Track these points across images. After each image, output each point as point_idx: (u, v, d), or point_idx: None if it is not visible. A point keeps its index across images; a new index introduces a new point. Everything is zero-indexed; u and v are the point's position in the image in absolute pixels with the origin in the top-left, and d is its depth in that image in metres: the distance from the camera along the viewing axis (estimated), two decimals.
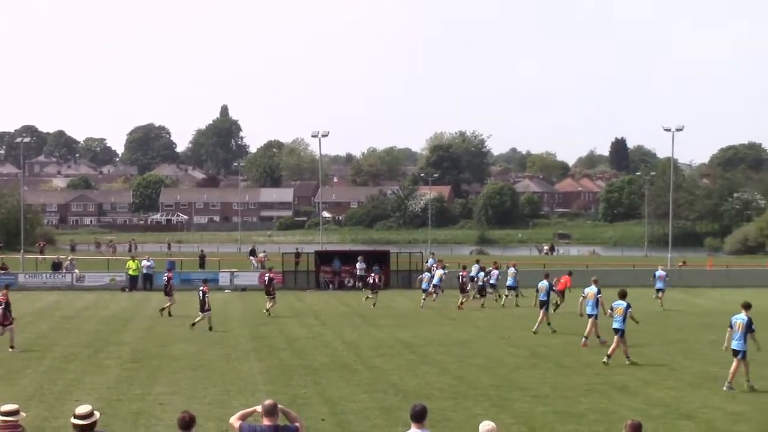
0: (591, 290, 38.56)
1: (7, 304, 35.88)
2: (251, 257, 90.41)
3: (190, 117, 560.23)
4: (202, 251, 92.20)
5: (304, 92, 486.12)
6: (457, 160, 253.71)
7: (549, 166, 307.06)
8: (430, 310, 52.05)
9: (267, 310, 47.85)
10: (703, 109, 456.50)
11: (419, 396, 25.33)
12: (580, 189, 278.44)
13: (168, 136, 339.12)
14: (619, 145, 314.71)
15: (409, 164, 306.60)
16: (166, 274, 51.36)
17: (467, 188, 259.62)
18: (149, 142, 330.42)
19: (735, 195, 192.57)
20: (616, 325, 33.01)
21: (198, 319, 42.39)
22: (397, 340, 38.88)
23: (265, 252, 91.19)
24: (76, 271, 70.53)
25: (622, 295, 33.62)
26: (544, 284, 43.57)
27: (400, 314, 49.94)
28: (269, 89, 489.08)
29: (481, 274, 58.76)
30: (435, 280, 56.06)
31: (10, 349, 34.85)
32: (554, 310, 47.01)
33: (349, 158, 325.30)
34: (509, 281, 56.24)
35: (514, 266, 58.17)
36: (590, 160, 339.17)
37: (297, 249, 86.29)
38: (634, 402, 25.71)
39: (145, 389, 27.54)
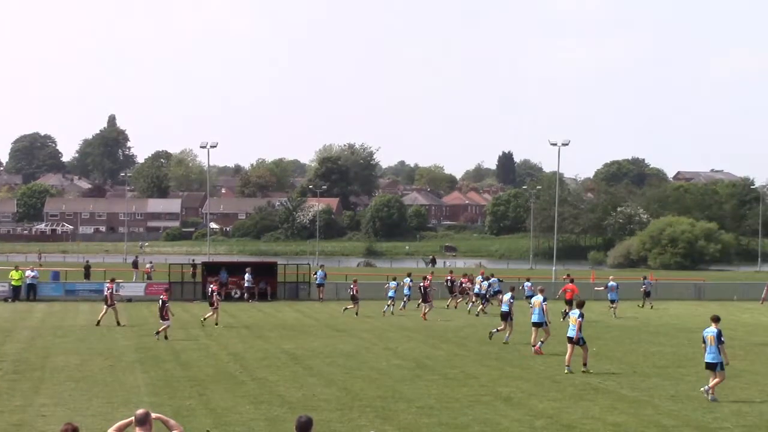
0: (537, 299, 39.83)
1: None
2: (134, 268, 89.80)
3: (77, 126, 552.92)
4: (87, 261, 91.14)
5: (192, 103, 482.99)
6: (346, 173, 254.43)
7: (437, 179, 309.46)
8: (315, 322, 52.10)
9: (158, 332, 45.37)
10: (589, 125, 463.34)
11: (305, 407, 25.33)
12: (467, 202, 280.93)
13: (54, 145, 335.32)
14: (505, 159, 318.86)
15: (298, 176, 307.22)
16: (161, 297, 47.60)
17: (355, 200, 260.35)
18: (34, 151, 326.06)
19: (618, 209, 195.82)
20: (570, 334, 33.71)
21: (207, 315, 46.53)
22: (283, 352, 38.81)
23: (151, 263, 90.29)
24: None
25: (580, 305, 34.42)
26: (507, 296, 44.08)
27: (286, 326, 49.82)
28: (157, 99, 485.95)
29: (485, 283, 60.39)
30: (405, 290, 60.00)
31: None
32: (562, 320, 48.70)
33: (238, 169, 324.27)
34: (477, 290, 60.69)
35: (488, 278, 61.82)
36: (477, 174, 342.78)
37: (192, 260, 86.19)
38: (517, 413, 25.96)
39: (27, 401, 27.14)
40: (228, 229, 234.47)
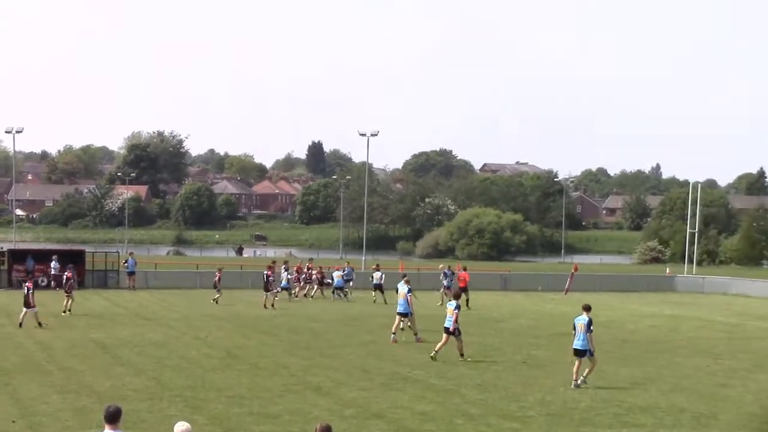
0: (402, 290, 40.51)
1: None
2: None
3: None
4: None
5: None
6: (155, 160, 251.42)
7: (247, 168, 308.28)
8: (124, 310, 51.51)
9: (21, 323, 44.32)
10: (398, 116, 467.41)
11: (114, 397, 25.04)
12: (277, 191, 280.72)
13: None
14: (315, 149, 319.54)
15: (106, 163, 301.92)
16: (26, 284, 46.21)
17: (165, 188, 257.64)
18: None
19: (426, 200, 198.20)
20: (447, 324, 34.37)
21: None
22: (91, 341, 38.27)
23: None
24: None
25: (456, 296, 35.89)
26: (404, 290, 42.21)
27: (94, 314, 49.10)
28: None
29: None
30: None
31: None
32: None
33: (45, 155, 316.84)
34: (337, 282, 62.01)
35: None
36: (288, 163, 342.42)
37: (1, 247, 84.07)
38: (327, 402, 26.15)
39: None
40: (35, 216, 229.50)
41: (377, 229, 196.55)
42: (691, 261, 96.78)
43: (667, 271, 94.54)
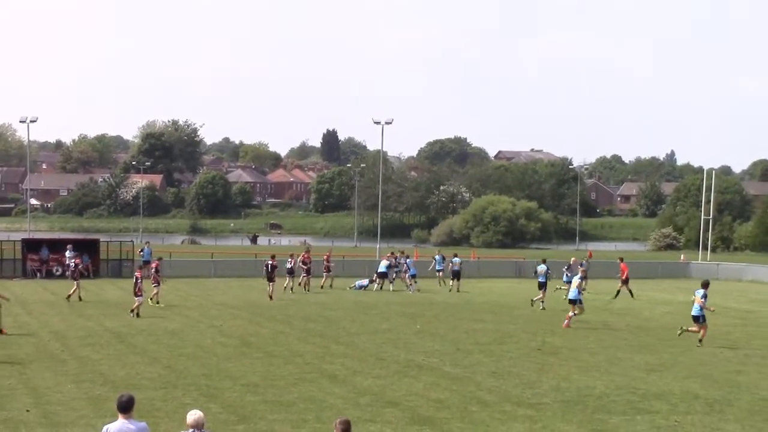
0: (576, 279, 43.70)
1: None
2: None
3: None
4: None
5: (11, 76, 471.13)
6: (170, 149, 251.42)
7: (261, 157, 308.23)
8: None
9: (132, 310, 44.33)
10: (412, 104, 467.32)
11: (128, 386, 25.11)
12: (292, 180, 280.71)
13: None
14: (330, 137, 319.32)
15: (121, 152, 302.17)
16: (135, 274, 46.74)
17: (180, 177, 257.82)
18: None
19: (441, 188, 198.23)
20: (695, 313, 37.15)
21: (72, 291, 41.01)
22: (106, 330, 38.35)
23: None
24: None
25: (704, 285, 37.75)
26: (542, 267, 51.18)
27: (110, 303, 49.18)
28: None
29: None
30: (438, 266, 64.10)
31: None
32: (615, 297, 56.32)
33: (59, 145, 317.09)
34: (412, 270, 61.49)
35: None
36: (302, 151, 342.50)
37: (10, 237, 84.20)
38: (342, 391, 26.17)
39: None
40: (49, 205, 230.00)
41: (392, 217, 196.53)
42: (705, 248, 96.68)
43: (682, 257, 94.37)
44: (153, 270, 50.03)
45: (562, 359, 32.45)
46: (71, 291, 49.79)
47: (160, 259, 52.07)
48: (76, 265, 51.00)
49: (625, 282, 57.40)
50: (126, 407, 14.10)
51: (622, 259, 60.85)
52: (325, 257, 63.21)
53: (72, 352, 32.29)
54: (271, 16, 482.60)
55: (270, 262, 54.14)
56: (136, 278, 43.67)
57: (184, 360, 31.02)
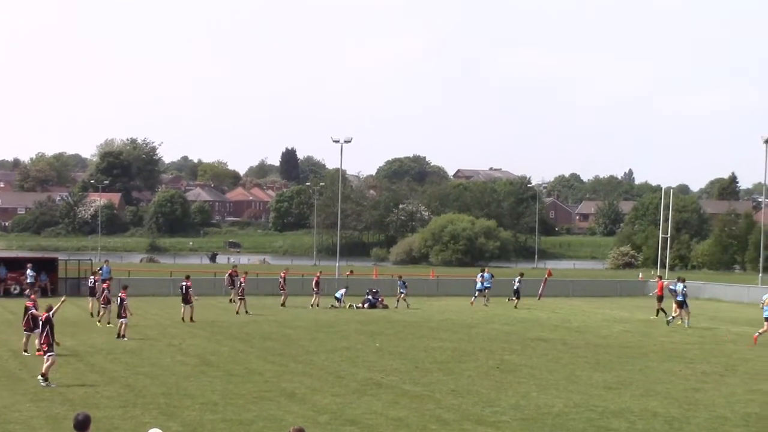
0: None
1: None
2: None
3: None
4: None
5: None
6: (128, 167, 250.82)
7: (220, 175, 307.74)
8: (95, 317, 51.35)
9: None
10: (371, 123, 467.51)
11: (87, 405, 25.01)
12: (251, 198, 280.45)
13: None
14: (289, 156, 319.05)
15: (79, 170, 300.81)
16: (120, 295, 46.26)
17: (138, 196, 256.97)
18: None
19: (400, 206, 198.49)
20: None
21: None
22: (64, 348, 38.01)
23: None
24: None
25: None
26: (680, 287, 51.95)
27: (68, 322, 48.85)
28: None
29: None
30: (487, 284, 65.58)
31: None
32: (656, 315, 56.32)
33: (17, 163, 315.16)
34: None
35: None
36: (261, 170, 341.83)
37: None
38: (301, 409, 26.17)
39: None
40: (7, 224, 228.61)
41: (351, 235, 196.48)
42: (663, 266, 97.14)
43: (640, 276, 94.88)
44: (105, 290, 49.59)
45: (521, 377, 32.57)
46: (101, 314, 49.39)
47: (125, 287, 49.53)
48: (108, 289, 49.85)
49: (659, 300, 57.19)
50: (82, 426, 14.10)
51: (660, 277, 61.97)
52: (282, 274, 63.38)
53: (30, 371, 32.06)
54: (230, 35, 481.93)
55: (185, 283, 52.35)
56: (121, 299, 43.01)
57: (142, 378, 30.91)
